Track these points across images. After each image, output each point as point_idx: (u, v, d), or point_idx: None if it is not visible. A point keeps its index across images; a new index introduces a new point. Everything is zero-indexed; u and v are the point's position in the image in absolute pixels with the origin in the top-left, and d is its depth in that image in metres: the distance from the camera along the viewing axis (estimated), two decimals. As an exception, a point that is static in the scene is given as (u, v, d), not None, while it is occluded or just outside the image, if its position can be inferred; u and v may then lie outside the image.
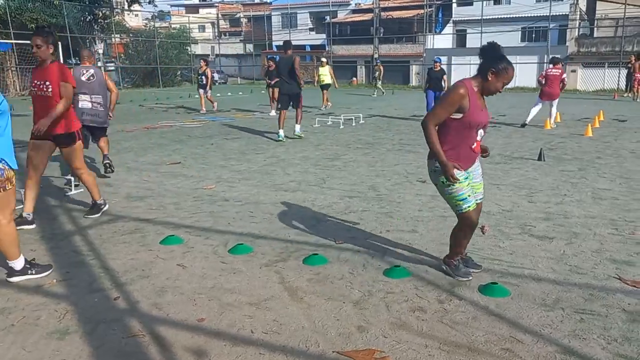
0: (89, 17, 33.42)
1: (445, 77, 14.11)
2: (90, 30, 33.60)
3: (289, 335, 2.96)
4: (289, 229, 4.92)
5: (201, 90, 17.18)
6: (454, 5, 38.97)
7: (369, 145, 10.09)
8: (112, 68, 37.40)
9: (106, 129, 7.32)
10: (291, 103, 10.62)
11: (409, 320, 3.11)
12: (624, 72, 27.50)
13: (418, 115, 15.68)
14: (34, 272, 3.82)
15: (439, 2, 39.41)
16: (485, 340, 2.87)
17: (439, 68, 14.11)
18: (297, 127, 11.05)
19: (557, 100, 12.42)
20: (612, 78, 30.90)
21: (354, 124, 13.46)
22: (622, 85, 29.08)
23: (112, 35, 37.06)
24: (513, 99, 23.61)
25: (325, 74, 18.80)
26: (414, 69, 39.37)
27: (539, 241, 4.47)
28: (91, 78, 6.81)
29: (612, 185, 6.55)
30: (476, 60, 3.67)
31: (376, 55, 38.68)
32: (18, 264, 3.76)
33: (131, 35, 38.68)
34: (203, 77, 16.92)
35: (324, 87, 18.89)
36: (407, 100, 22.80)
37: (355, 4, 45.78)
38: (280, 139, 10.51)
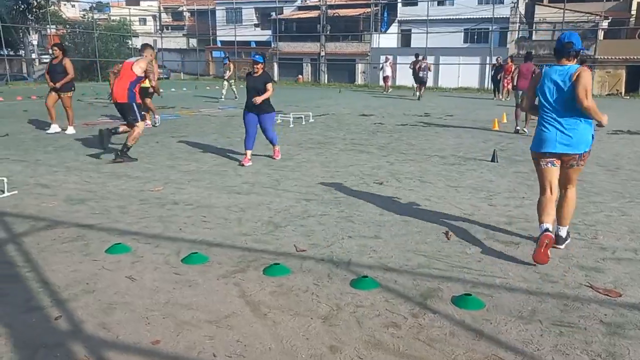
0: (22, 6, 31.69)
1: (269, 85, 7.63)
2: (24, 20, 31.86)
3: (255, 358, 2.69)
4: (246, 235, 4.62)
5: None
6: (399, 5, 39.40)
7: (320, 144, 9.87)
8: (48, 60, 35.61)
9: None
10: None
11: (384, 338, 2.91)
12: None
13: (366, 115, 15.62)
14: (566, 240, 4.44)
15: (385, 2, 39.71)
16: (467, 359, 2.71)
17: (260, 72, 7.65)
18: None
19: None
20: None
21: (303, 123, 13.22)
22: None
23: (48, 26, 35.27)
24: (458, 100, 24.05)
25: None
26: (359, 67, 39.58)
27: (505, 247, 4.38)
28: None
29: (565, 187, 6.58)
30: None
31: (323, 53, 38.62)
32: (564, 230, 4.35)
33: (68, 26, 36.94)
34: None
35: (146, 93, 11.17)
36: (354, 99, 22.77)
37: (302, 1, 45.50)
38: None
